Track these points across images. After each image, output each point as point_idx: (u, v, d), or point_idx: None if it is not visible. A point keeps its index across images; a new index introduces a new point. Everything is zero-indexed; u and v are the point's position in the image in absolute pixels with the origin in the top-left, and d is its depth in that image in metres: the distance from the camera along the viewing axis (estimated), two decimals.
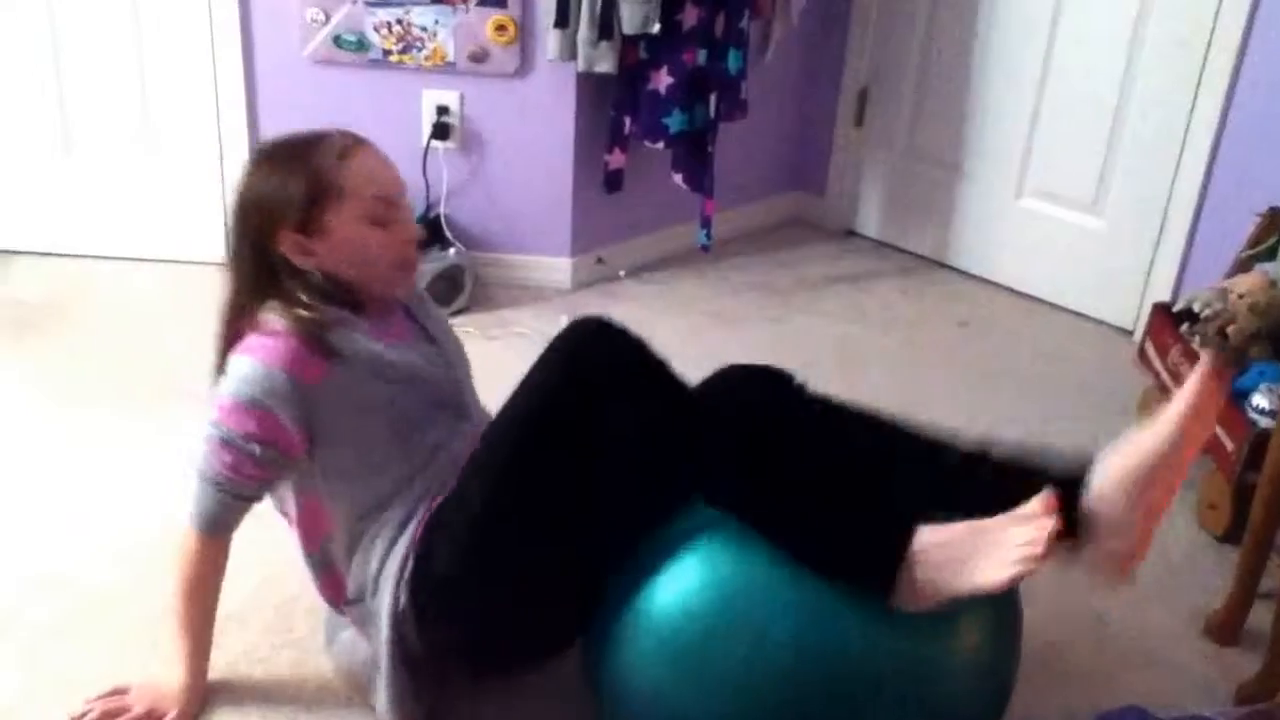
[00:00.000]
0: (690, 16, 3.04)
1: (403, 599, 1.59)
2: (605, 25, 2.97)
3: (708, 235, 3.32)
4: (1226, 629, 2.03)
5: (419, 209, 3.18)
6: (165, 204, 3.31)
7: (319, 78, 3.12)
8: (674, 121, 3.13)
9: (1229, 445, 2.25)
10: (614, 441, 1.51)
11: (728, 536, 1.50)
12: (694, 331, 3.10)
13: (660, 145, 3.18)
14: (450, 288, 3.12)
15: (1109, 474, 1.48)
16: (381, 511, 1.64)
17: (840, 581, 1.44)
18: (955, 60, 3.48)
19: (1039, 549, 1.37)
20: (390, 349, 1.66)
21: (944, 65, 3.52)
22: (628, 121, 3.17)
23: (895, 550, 1.41)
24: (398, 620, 1.60)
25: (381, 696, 1.65)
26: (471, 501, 1.57)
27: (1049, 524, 1.38)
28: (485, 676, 1.76)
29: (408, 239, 1.68)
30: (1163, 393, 2.56)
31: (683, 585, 1.48)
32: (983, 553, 1.39)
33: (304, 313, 1.59)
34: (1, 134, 3.22)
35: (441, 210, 3.21)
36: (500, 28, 3.04)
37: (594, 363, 1.56)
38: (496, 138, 3.20)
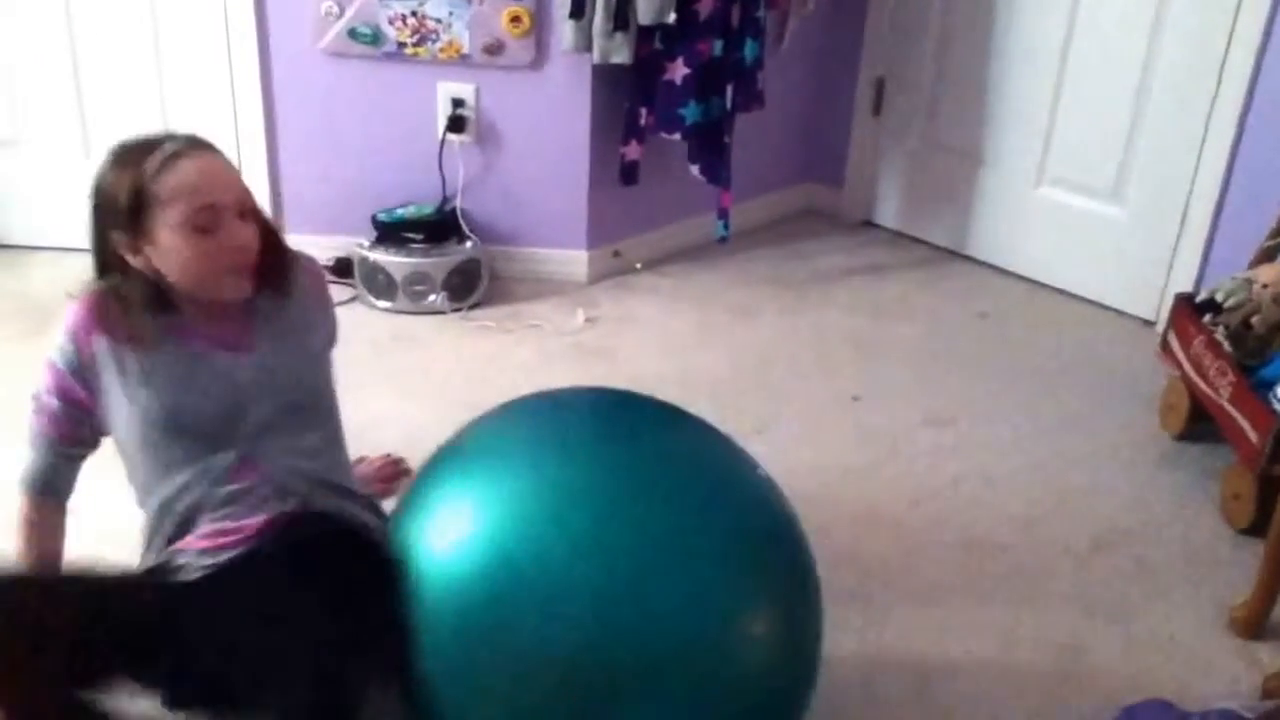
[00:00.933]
0: (706, 7, 3.02)
1: None
2: (620, 16, 2.95)
3: (725, 227, 3.30)
4: (1251, 622, 2.01)
5: (434, 202, 3.18)
6: None
7: (334, 71, 3.12)
8: (690, 113, 3.12)
9: (1253, 437, 2.23)
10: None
11: (510, 507, 1.48)
12: (711, 324, 3.09)
13: (676, 137, 3.17)
14: (466, 281, 3.11)
15: None
16: (147, 495, 1.75)
17: None
18: (973, 48, 3.45)
19: None
20: (199, 363, 1.71)
21: (962, 53, 3.49)
22: (644, 113, 3.15)
23: None
24: None
25: None
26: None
27: None
28: None
29: (234, 246, 1.66)
30: (1185, 383, 2.54)
31: (470, 562, 1.46)
32: None
33: (114, 295, 1.69)
34: (21, 132, 3.24)
35: (457, 204, 3.20)
36: (515, 19, 3.03)
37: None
38: (512, 130, 3.19)
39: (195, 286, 1.68)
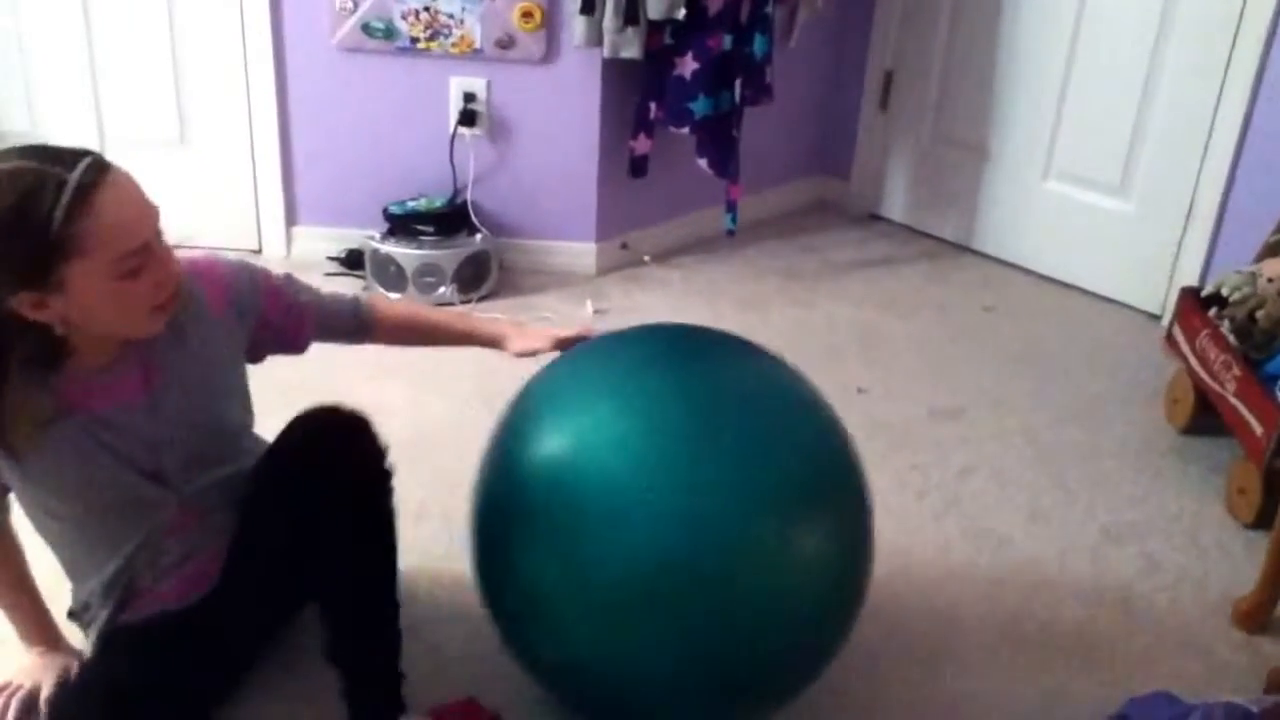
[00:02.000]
0: (715, 2, 3.04)
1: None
2: (631, 11, 2.97)
3: (733, 220, 3.32)
4: (1256, 616, 2.03)
5: (445, 195, 3.20)
6: (199, 193, 3.33)
7: (348, 65, 3.14)
8: (699, 107, 3.14)
9: (1258, 430, 2.25)
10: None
11: (587, 436, 1.56)
12: (719, 316, 3.11)
13: (685, 130, 3.19)
14: (476, 273, 3.13)
15: None
16: (85, 576, 1.69)
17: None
18: (981, 42, 3.46)
19: None
20: (78, 426, 1.51)
21: (970, 48, 3.50)
22: (653, 107, 3.17)
23: None
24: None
25: None
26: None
27: None
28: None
29: (162, 280, 1.46)
30: (1190, 377, 2.56)
31: (548, 481, 1.54)
32: None
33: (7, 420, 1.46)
34: (38, 127, 3.26)
35: (468, 196, 3.22)
36: (527, 14, 3.05)
37: None
38: (523, 124, 3.21)
39: (115, 330, 1.49)
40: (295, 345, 1.80)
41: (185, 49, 3.19)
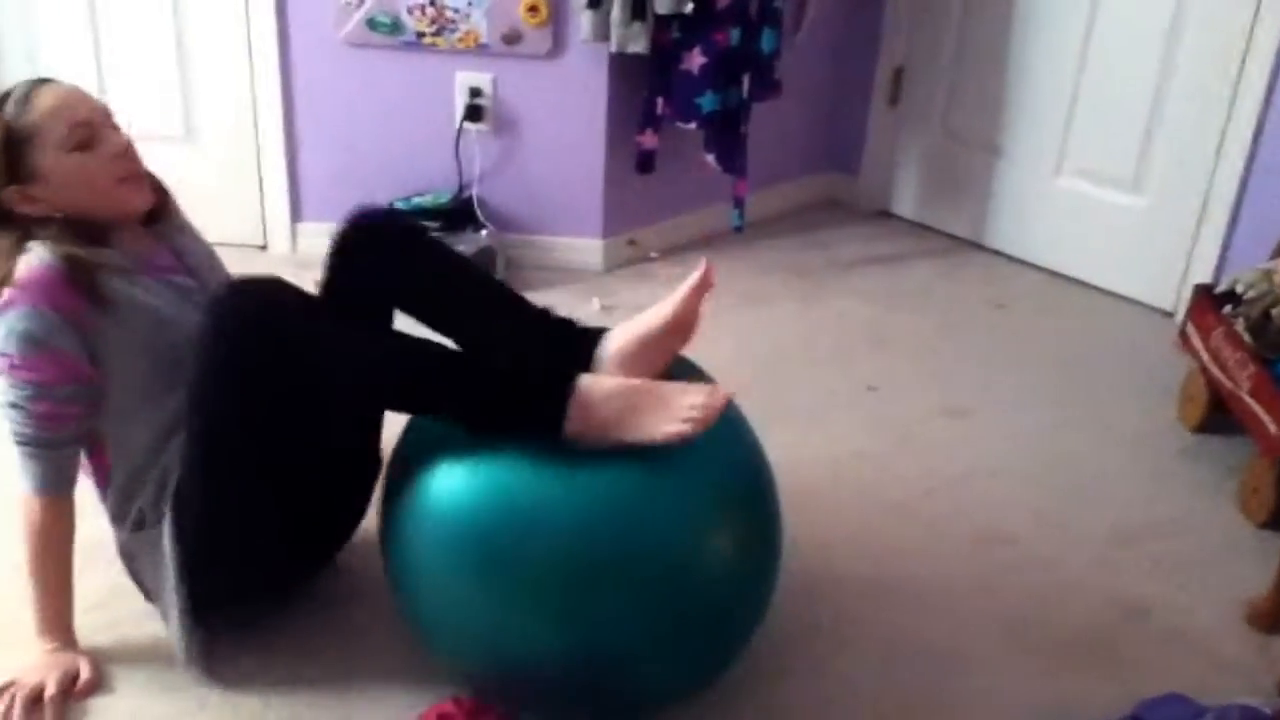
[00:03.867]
0: None
1: (168, 516, 1.67)
2: (638, 6, 2.94)
3: (740, 216, 3.30)
4: (1269, 617, 2.00)
5: (451, 191, 3.18)
6: (204, 189, 3.30)
7: (353, 60, 3.12)
8: (707, 102, 3.11)
9: (1273, 429, 2.22)
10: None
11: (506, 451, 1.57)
12: (725, 312, 3.09)
13: (693, 126, 3.16)
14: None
15: (612, 344, 1.68)
16: (159, 442, 1.71)
17: (516, 429, 1.55)
18: (992, 37, 3.43)
19: (709, 414, 1.53)
20: (146, 290, 1.72)
21: (981, 42, 3.47)
22: (660, 102, 3.14)
23: (562, 395, 1.53)
24: (173, 539, 1.67)
25: (171, 623, 1.72)
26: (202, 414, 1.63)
27: (721, 398, 1.56)
28: (255, 589, 1.82)
29: (116, 153, 1.71)
30: (1204, 375, 2.53)
31: (457, 484, 1.56)
32: (651, 409, 1.52)
33: (65, 249, 1.65)
34: None
35: (474, 192, 3.21)
36: (533, 9, 3.03)
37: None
38: (529, 119, 3.19)
39: (99, 207, 1.70)
40: None
41: (190, 45, 3.18)
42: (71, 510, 1.73)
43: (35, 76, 1.74)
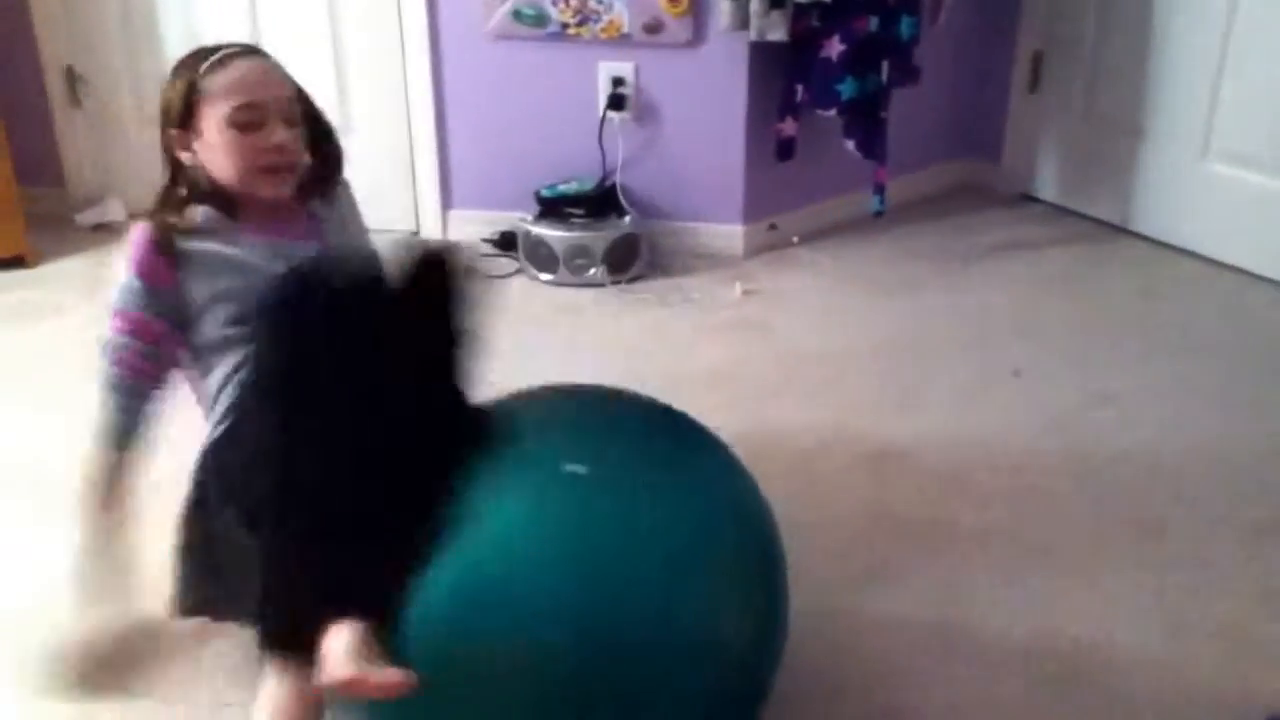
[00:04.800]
0: None
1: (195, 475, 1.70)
2: None
3: (881, 202, 3.31)
4: None
5: (595, 178, 3.26)
6: (361, 178, 3.42)
7: (500, 52, 3.22)
8: (846, 89, 3.13)
9: None
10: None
11: (481, 520, 1.43)
12: (868, 298, 3.10)
13: (832, 113, 3.18)
14: (625, 254, 3.19)
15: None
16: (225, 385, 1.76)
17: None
18: (1134, 17, 3.37)
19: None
20: (238, 247, 1.75)
21: (1122, 23, 3.41)
22: (800, 89, 3.17)
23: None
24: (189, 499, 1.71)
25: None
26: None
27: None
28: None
29: (269, 146, 1.74)
30: None
31: (445, 570, 1.40)
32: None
33: (162, 218, 1.75)
34: None
35: (617, 179, 3.28)
36: None
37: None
38: (670, 108, 3.25)
39: (235, 182, 1.76)
40: None
41: (346, 42, 3.32)
42: (121, 474, 1.73)
43: (248, 44, 1.82)
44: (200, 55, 1.76)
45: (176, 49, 3.31)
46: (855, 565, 2.05)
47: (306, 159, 1.84)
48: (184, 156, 1.77)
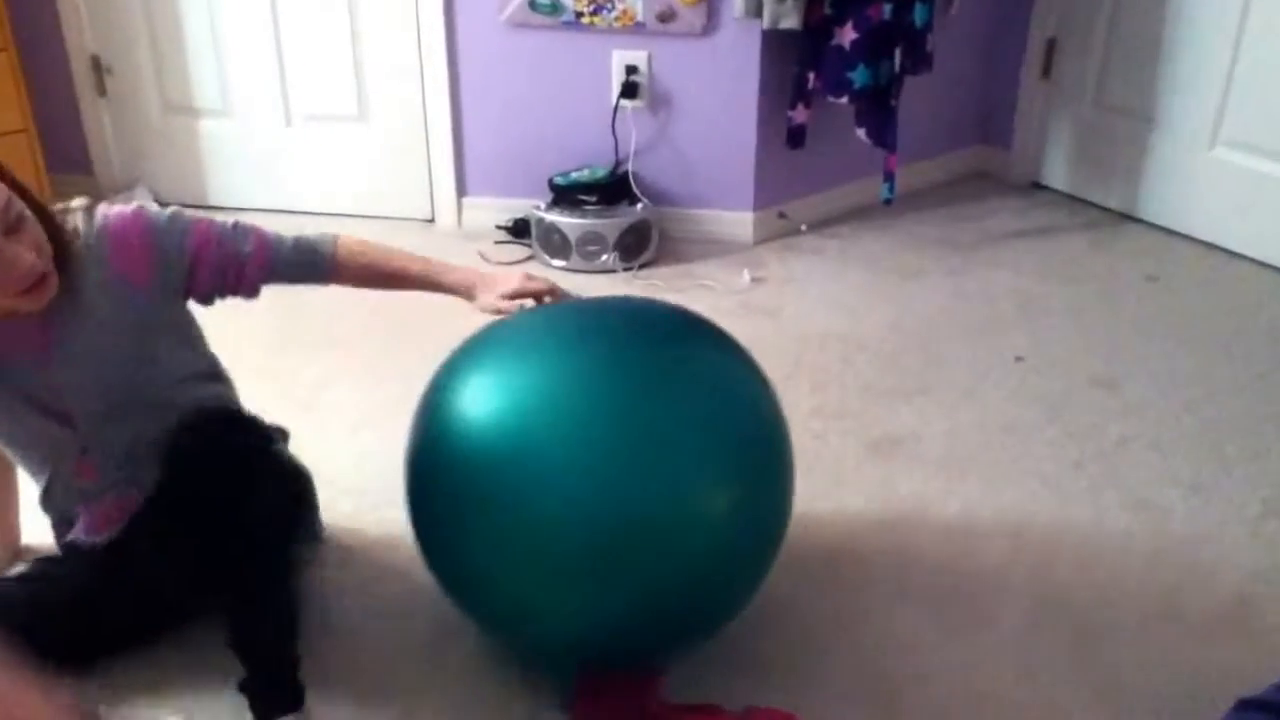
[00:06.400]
0: None
1: None
2: None
3: (890, 189, 3.34)
4: None
5: (608, 166, 3.30)
6: (376, 166, 3.52)
7: (515, 41, 3.26)
8: (858, 76, 3.16)
9: None
10: None
11: (520, 394, 1.59)
12: (876, 285, 3.14)
13: (844, 100, 3.21)
14: (637, 241, 3.23)
15: None
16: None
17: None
18: (1147, 6, 3.38)
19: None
20: None
21: (1135, 12, 3.42)
22: (811, 77, 3.20)
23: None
24: None
25: None
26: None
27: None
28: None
29: (16, 275, 1.50)
30: None
31: (485, 439, 1.57)
32: None
33: None
34: (232, 104, 3.50)
35: (629, 167, 3.32)
36: None
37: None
38: (683, 96, 3.29)
39: None
40: (239, 289, 1.81)
41: (364, 30, 3.36)
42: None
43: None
44: None
45: (200, 36, 3.42)
46: (861, 547, 2.10)
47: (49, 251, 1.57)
48: None
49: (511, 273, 1.90)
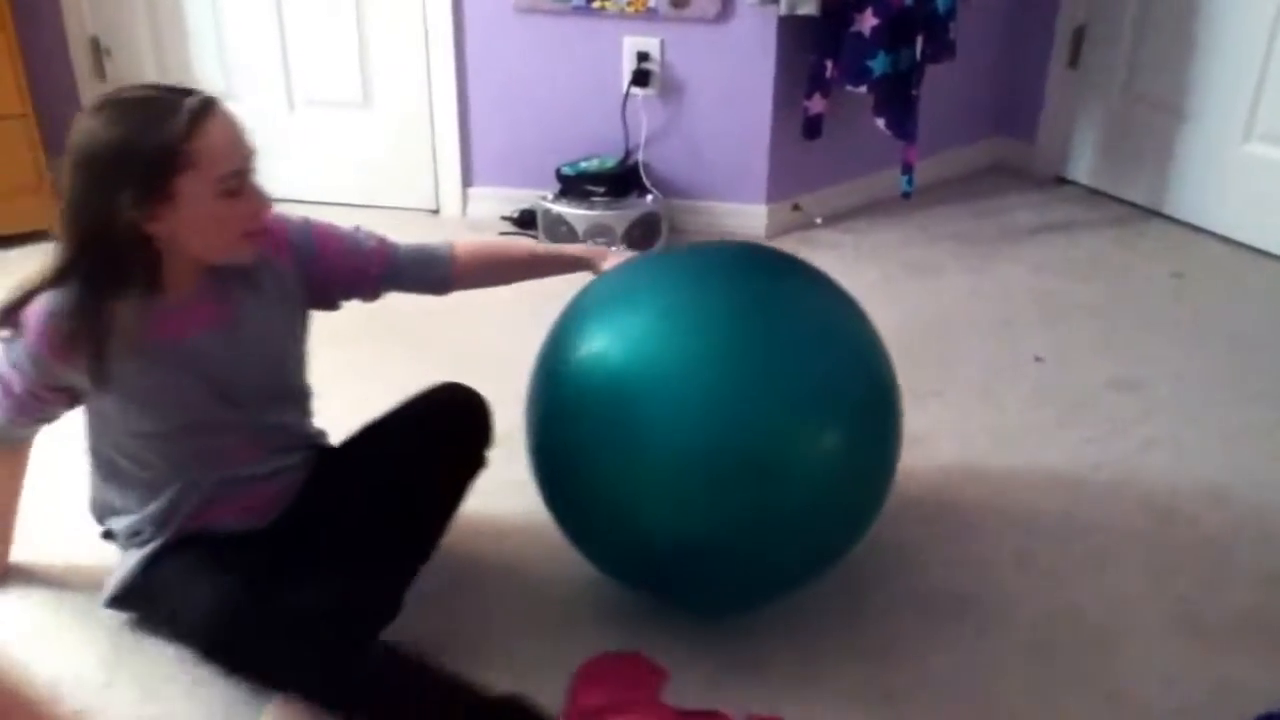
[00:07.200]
0: None
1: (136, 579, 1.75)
2: None
3: (909, 182, 3.24)
4: None
5: (617, 155, 3.22)
6: (380, 154, 3.45)
7: (523, 25, 3.18)
8: (878, 64, 3.07)
9: None
10: None
11: (641, 334, 1.68)
12: (892, 280, 3.06)
13: (863, 89, 3.12)
14: (647, 234, 3.15)
15: None
16: (135, 467, 1.73)
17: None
18: None
19: None
20: (142, 360, 1.61)
21: (1167, 1, 3.32)
22: (829, 65, 3.11)
23: None
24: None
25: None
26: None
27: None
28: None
29: (255, 210, 1.61)
30: None
31: (607, 374, 1.66)
32: None
33: (69, 322, 1.56)
34: (234, 87, 3.42)
35: (639, 157, 3.24)
36: None
37: None
38: (696, 84, 3.20)
39: (210, 251, 1.61)
40: (362, 289, 1.84)
41: (369, 14, 3.29)
42: (23, 460, 1.87)
43: (194, 90, 1.56)
44: (153, 108, 1.52)
45: (201, 18, 3.36)
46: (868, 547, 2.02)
47: None
48: (146, 226, 1.52)
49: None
